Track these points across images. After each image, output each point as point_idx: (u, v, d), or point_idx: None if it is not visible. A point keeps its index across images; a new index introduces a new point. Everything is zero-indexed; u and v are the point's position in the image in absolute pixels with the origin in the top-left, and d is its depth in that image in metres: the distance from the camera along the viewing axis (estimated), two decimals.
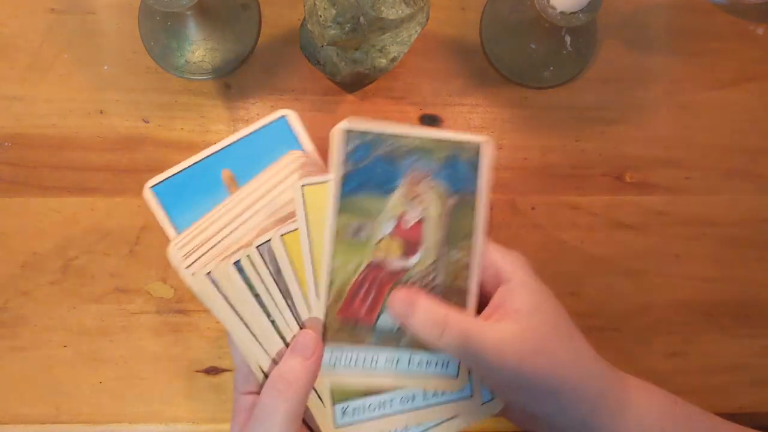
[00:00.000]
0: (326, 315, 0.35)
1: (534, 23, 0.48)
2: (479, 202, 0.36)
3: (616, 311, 0.48)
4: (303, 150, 0.39)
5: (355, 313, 0.35)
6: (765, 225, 0.49)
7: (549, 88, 0.50)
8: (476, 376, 0.36)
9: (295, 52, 0.49)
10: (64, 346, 0.47)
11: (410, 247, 0.36)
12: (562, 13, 0.43)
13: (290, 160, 0.39)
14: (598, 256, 0.49)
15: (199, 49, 0.49)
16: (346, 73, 0.47)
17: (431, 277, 0.36)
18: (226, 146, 0.39)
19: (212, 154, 0.39)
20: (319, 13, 0.41)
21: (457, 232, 0.36)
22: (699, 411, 0.37)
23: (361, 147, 0.36)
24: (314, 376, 0.34)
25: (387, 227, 0.36)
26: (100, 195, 0.48)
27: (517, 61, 0.50)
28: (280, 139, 0.39)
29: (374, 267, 0.36)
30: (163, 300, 0.47)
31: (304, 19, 0.45)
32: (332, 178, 0.36)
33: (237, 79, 0.49)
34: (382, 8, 0.40)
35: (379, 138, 0.36)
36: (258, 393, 0.35)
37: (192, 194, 0.38)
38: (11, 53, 0.49)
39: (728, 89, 0.51)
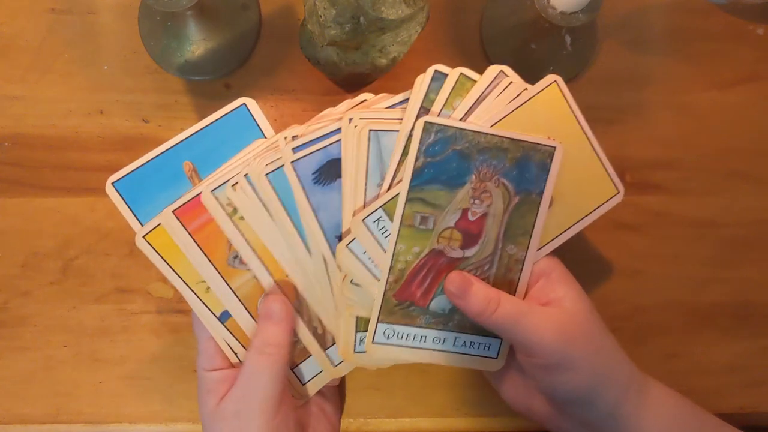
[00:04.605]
0: (384, 295, 0.37)
1: (534, 23, 0.48)
2: (544, 202, 0.38)
3: (615, 311, 0.48)
4: (266, 138, 0.39)
5: (412, 295, 0.37)
6: (764, 225, 0.50)
7: None
8: (519, 355, 0.37)
9: (295, 52, 0.49)
10: (64, 346, 0.47)
11: (471, 239, 0.37)
12: (562, 13, 0.43)
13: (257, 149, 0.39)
14: (597, 256, 0.49)
15: (199, 49, 0.49)
16: (346, 73, 0.47)
17: (485, 267, 0.38)
18: (187, 137, 0.39)
19: (173, 146, 0.39)
20: (319, 13, 0.41)
21: (516, 229, 0.38)
22: (707, 412, 0.38)
23: (440, 141, 0.37)
24: (292, 337, 0.36)
25: (451, 219, 0.37)
26: (100, 195, 0.47)
27: (517, 61, 0.49)
28: (241, 128, 0.39)
29: (435, 254, 0.37)
30: (163, 300, 0.47)
31: (304, 19, 0.45)
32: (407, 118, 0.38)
33: (237, 79, 0.49)
34: (382, 8, 0.40)
35: (460, 134, 0.37)
36: (225, 368, 0.37)
37: (154, 187, 0.38)
38: (11, 53, 0.49)
39: (728, 89, 0.51)
